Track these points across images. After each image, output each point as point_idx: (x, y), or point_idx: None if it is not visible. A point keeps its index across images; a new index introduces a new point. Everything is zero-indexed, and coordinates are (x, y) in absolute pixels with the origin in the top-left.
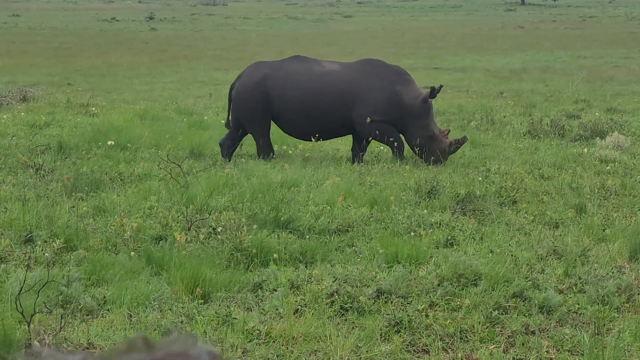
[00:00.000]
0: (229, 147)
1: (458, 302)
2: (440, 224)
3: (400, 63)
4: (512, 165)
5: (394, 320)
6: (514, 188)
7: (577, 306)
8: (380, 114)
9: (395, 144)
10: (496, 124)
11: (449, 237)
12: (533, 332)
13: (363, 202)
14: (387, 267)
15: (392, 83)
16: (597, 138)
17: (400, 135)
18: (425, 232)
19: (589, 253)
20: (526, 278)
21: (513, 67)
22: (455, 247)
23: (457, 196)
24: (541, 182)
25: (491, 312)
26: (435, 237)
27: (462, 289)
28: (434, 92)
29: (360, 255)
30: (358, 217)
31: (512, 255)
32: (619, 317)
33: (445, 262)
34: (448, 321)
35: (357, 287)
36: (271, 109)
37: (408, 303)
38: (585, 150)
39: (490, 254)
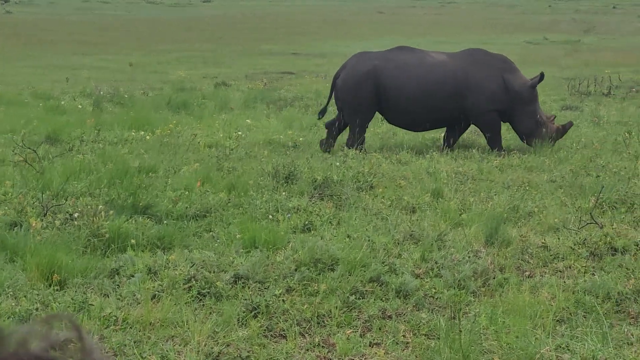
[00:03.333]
0: (334, 134)
1: (315, 287)
2: (298, 209)
3: (259, 49)
4: (370, 150)
5: (251, 305)
6: (371, 173)
7: (434, 290)
8: (494, 103)
9: (491, 136)
10: None
11: (307, 222)
12: (390, 317)
13: (221, 188)
14: (245, 252)
15: (501, 71)
16: None
17: (508, 123)
18: (283, 217)
19: (445, 237)
20: (383, 263)
21: None
22: (312, 232)
23: (315, 181)
24: (399, 167)
25: (348, 296)
26: (293, 222)
27: (319, 274)
28: (541, 78)
29: (218, 241)
30: (216, 203)
31: (369, 240)
32: (475, 301)
33: (302, 247)
34: (305, 306)
35: (214, 272)
36: (382, 100)
37: (265, 288)
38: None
39: (348, 239)
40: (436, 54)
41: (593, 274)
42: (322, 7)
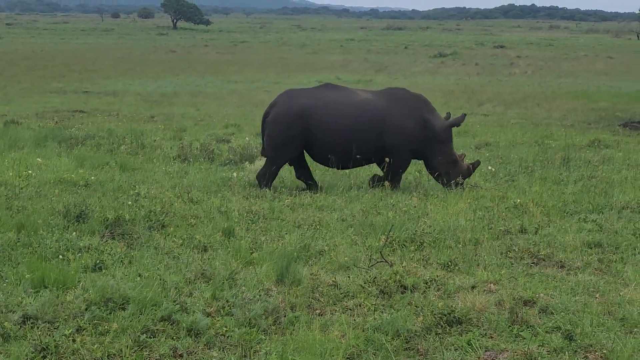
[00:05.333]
0: (306, 175)
1: (106, 326)
2: (89, 248)
3: (50, 87)
4: (162, 189)
5: (40, 345)
6: (163, 212)
7: (225, 329)
8: (413, 141)
9: (394, 174)
10: (146, 147)
11: (98, 261)
12: (181, 355)
13: (10, 227)
14: (34, 292)
15: (422, 111)
16: (247, 162)
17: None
18: (73, 256)
19: (237, 276)
20: (174, 301)
21: (164, 91)
22: (103, 271)
23: (107, 220)
24: (190, 206)
25: (139, 335)
26: (83, 262)
27: (110, 313)
28: (461, 119)
29: (7, 280)
30: (4, 242)
31: (160, 278)
32: (266, 339)
33: (93, 286)
34: (95, 345)
35: (2, 312)
36: (310, 137)
37: (55, 328)
38: (235, 174)
39: (139, 278)
40: (362, 92)
41: (383, 312)
42: (115, 44)
